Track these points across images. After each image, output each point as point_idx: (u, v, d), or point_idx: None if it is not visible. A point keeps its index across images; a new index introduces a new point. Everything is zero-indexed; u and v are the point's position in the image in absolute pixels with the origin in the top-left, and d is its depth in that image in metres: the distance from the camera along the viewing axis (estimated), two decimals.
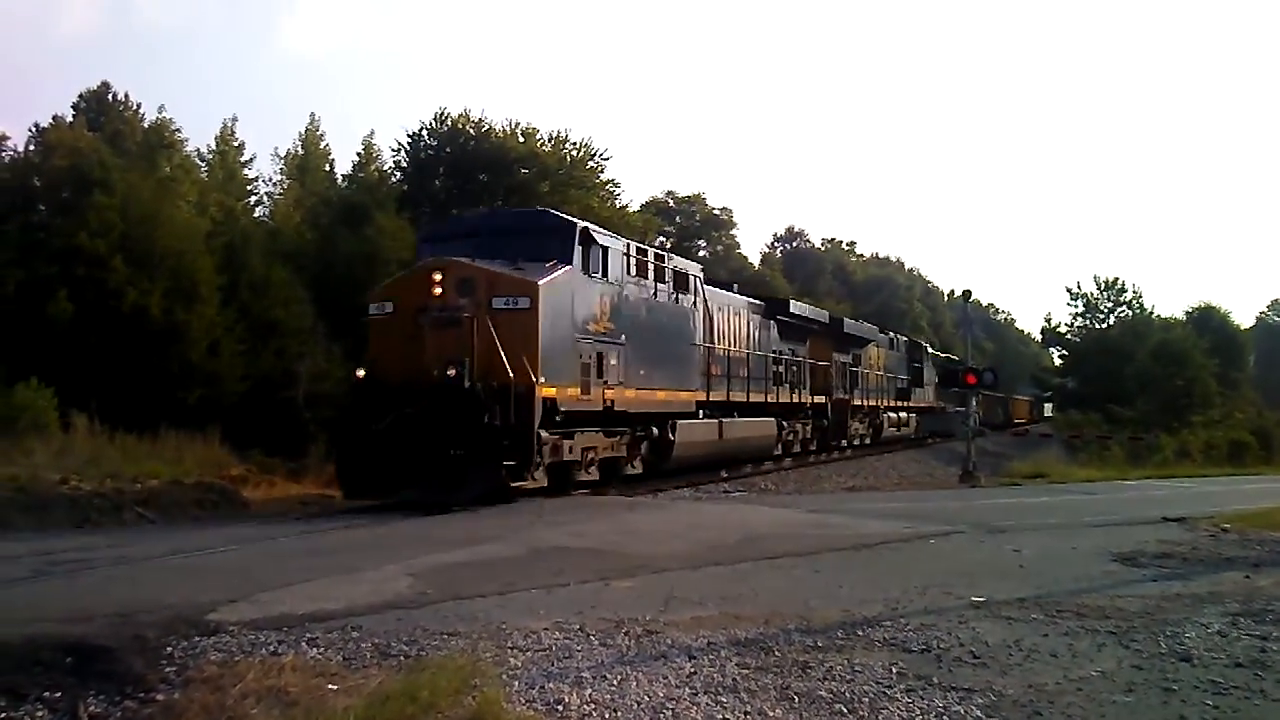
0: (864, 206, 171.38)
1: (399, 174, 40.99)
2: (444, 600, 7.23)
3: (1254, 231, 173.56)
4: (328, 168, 43.32)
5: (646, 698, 5.01)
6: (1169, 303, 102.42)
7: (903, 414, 38.91)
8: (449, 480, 12.69)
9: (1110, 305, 66.14)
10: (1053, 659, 5.91)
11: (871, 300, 73.83)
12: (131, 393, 20.55)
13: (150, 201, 24.26)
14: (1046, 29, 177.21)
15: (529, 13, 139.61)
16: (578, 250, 15.17)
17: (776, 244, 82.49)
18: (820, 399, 28.30)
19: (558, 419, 14.16)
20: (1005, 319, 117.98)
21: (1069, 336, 67.65)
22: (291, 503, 16.22)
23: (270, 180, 42.17)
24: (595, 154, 45.05)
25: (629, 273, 17.01)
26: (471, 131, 42.24)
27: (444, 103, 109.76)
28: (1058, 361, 73.51)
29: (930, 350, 47.04)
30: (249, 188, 40.33)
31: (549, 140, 43.68)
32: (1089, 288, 66.24)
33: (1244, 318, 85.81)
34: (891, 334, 41.15)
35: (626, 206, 48.89)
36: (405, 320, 14.03)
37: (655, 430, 17.88)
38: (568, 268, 14.87)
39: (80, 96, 35.32)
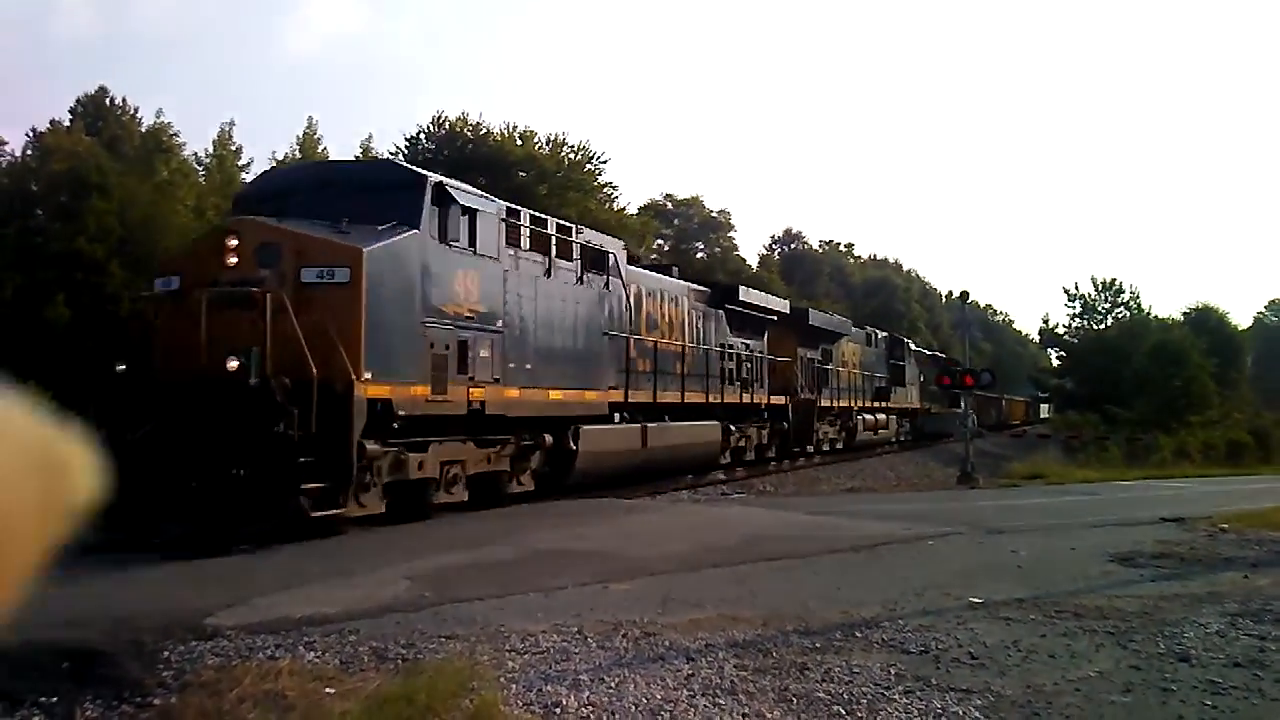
0: (862, 208, 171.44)
1: None
2: (442, 603, 7.22)
3: (1252, 232, 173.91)
4: None
5: (644, 700, 5.00)
6: (1166, 303, 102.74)
7: (880, 415, 36.14)
8: (229, 508, 9.87)
9: (1108, 306, 66.24)
10: (1051, 659, 5.90)
11: (869, 302, 73.91)
12: None
13: (148, 205, 24.31)
14: (1043, 28, 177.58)
15: (527, 15, 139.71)
16: (429, 212, 12.01)
17: (774, 246, 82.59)
18: (780, 399, 25.22)
19: (395, 426, 11.20)
20: (1003, 320, 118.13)
21: (1067, 337, 67.73)
22: None
23: None
24: (593, 157, 45.17)
25: (513, 245, 13.99)
26: (469, 134, 42.30)
27: (442, 106, 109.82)
28: (1055, 362, 73.61)
29: (913, 347, 43.97)
30: None
31: (547, 143, 43.75)
32: (1086, 288, 66.34)
33: (1242, 318, 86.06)
34: (869, 329, 38.72)
35: (624, 209, 49.01)
36: (193, 299, 10.86)
37: (550, 438, 14.77)
38: (412, 233, 11.73)
39: (78, 101, 35.24)
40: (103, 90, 35.48)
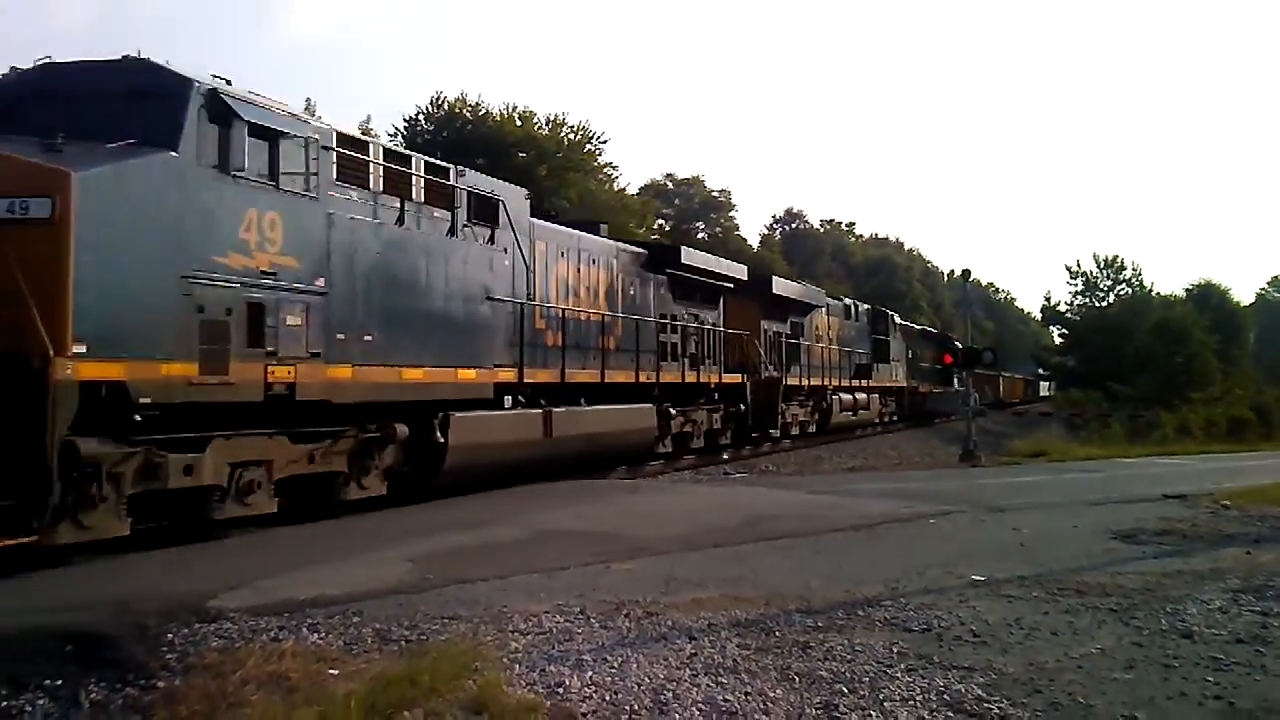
0: (864, 187, 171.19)
1: None
2: (445, 584, 7.23)
3: (1254, 208, 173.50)
4: None
5: (647, 679, 5.01)
6: (1169, 280, 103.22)
7: (860, 395, 32.59)
8: None
9: (1110, 283, 66.31)
10: (1053, 637, 5.92)
11: (871, 281, 73.88)
12: None
13: None
14: (1043, 6, 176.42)
15: None
16: (197, 129, 9.09)
17: (775, 225, 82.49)
18: (735, 377, 22.18)
19: (138, 418, 8.48)
20: (1005, 298, 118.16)
21: (1069, 315, 67.78)
22: None
23: None
24: (593, 137, 45.06)
25: (350, 182, 11.09)
26: (468, 115, 42.16)
27: (440, 86, 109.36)
28: (1058, 340, 73.67)
29: (899, 320, 40.64)
30: None
31: (546, 123, 43.61)
32: (1089, 266, 66.41)
33: (1244, 294, 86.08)
34: (848, 300, 35.53)
35: (625, 189, 48.93)
36: None
37: (405, 429, 11.68)
38: (164, 155, 8.81)
39: None
40: None
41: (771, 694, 4.83)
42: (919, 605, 6.67)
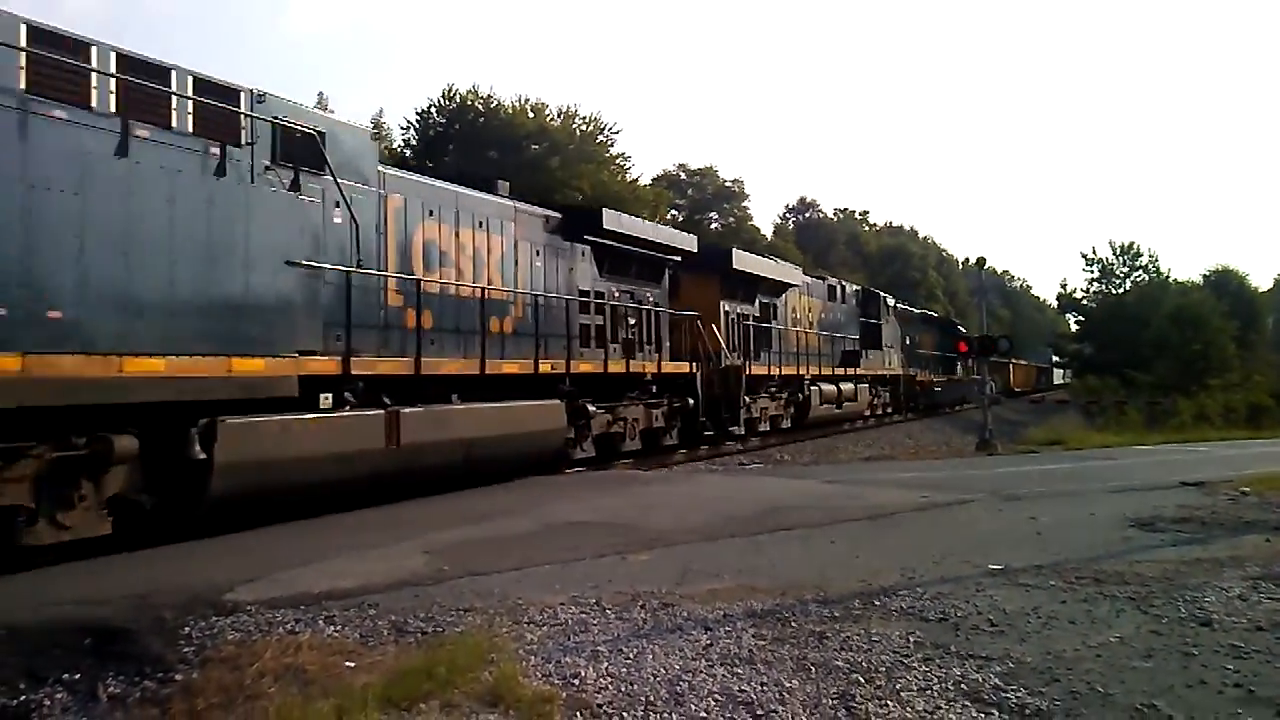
0: (877, 175, 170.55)
1: (409, 152, 40.91)
2: (460, 576, 7.24)
3: (1272, 194, 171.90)
4: None
5: (663, 670, 5.00)
6: (1186, 266, 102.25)
7: (846, 385, 29.08)
8: None
9: (1126, 270, 66.02)
10: (1071, 626, 5.87)
11: (886, 270, 73.68)
12: None
13: None
14: None
15: None
16: None
17: (789, 215, 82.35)
18: (683, 366, 19.05)
19: None
20: (1020, 286, 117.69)
21: (1085, 302, 67.50)
22: None
23: None
24: (605, 128, 45.03)
25: (65, 100, 8.16)
26: (480, 108, 42.17)
27: (453, 79, 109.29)
28: (1074, 327, 73.36)
29: (892, 303, 36.90)
30: None
31: (559, 115, 43.61)
32: (1105, 252, 66.11)
33: (1262, 280, 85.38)
34: (832, 280, 31.80)
35: (638, 180, 48.84)
36: None
37: (135, 443, 8.52)
38: None
39: None
40: None
41: (788, 684, 4.81)
42: (936, 594, 6.63)
